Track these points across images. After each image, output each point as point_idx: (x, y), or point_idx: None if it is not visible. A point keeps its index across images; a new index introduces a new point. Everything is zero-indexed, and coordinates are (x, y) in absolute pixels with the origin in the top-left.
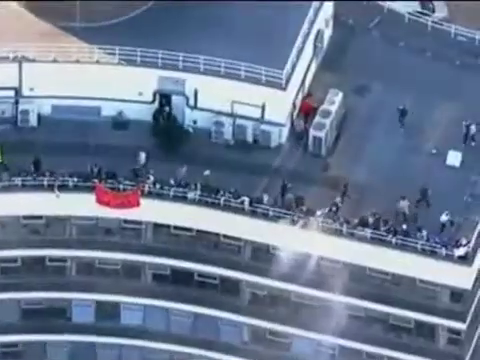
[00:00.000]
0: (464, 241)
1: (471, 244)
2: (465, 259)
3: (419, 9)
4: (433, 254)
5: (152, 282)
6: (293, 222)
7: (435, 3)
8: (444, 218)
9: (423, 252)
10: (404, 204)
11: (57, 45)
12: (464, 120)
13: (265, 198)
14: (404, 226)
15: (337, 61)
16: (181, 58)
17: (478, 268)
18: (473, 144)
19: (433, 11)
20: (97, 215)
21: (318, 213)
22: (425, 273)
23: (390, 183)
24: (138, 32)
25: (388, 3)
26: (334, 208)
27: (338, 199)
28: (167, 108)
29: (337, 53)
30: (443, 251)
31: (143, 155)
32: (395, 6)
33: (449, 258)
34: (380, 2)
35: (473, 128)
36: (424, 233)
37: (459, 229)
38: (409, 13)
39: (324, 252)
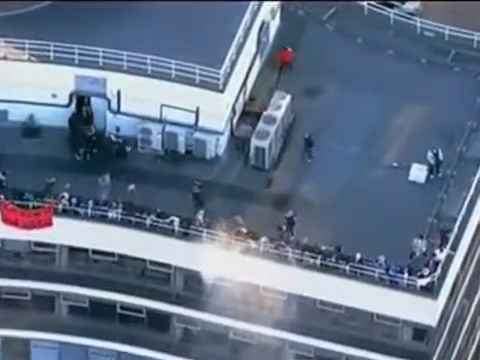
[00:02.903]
0: (426, 271)
1: (436, 274)
2: (429, 290)
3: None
4: (393, 284)
5: (68, 315)
6: (232, 247)
7: None
8: (419, 244)
9: (381, 282)
10: (421, 244)
11: None
12: (431, 148)
13: (199, 218)
14: (358, 255)
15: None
16: (101, 54)
17: (444, 302)
18: (440, 175)
19: (403, 1)
20: (2, 237)
21: (262, 239)
22: (383, 306)
23: (344, 201)
24: (51, 23)
25: None
26: (279, 231)
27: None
28: (86, 109)
29: (285, 49)
30: (404, 281)
31: (107, 177)
32: None
33: (411, 289)
34: None
35: (441, 155)
36: (382, 260)
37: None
38: (369, 4)
39: (267, 282)
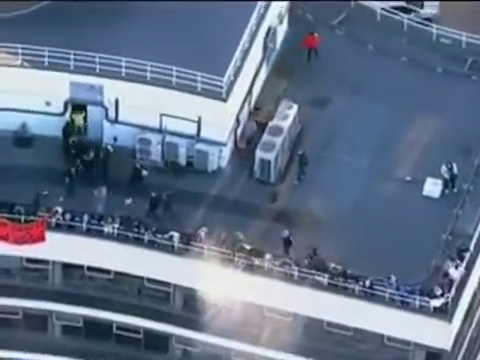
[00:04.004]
0: (438, 291)
1: (450, 294)
2: (443, 311)
3: (404, 3)
4: (404, 305)
5: (61, 335)
6: (234, 264)
7: None
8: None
9: (391, 302)
10: (454, 272)
11: None
12: (445, 162)
13: (201, 234)
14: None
15: (292, 66)
16: (98, 60)
17: (459, 324)
18: (456, 190)
19: (422, 7)
20: None
21: (267, 257)
22: (394, 328)
23: (353, 217)
24: (44, 27)
25: None
26: (284, 248)
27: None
28: (80, 118)
29: (292, 56)
30: (416, 301)
31: (104, 190)
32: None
33: (424, 310)
34: None
35: (456, 169)
36: (393, 279)
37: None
38: (382, 9)
39: (272, 301)
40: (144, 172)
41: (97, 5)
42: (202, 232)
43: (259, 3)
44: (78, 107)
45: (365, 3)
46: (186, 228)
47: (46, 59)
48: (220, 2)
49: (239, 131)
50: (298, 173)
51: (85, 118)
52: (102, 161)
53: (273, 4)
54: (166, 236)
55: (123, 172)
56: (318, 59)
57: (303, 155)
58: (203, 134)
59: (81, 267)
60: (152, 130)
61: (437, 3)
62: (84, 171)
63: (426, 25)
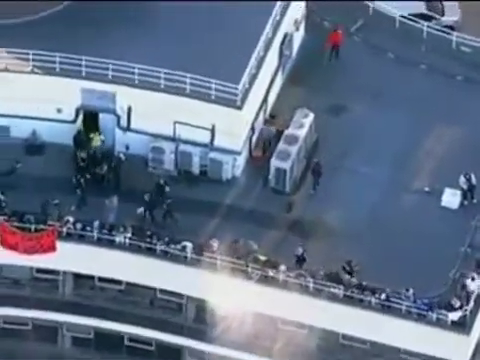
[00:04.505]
0: (457, 303)
1: (468, 307)
2: (461, 325)
3: (424, 10)
4: (421, 318)
5: (71, 347)
6: (248, 275)
7: (446, 3)
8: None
9: (408, 315)
10: (471, 284)
11: None
12: (463, 173)
13: (214, 244)
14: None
15: (309, 73)
16: (110, 66)
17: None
18: (475, 201)
19: (442, 14)
20: (1, 262)
21: (281, 268)
22: (411, 342)
23: (370, 229)
24: (56, 32)
25: (377, 2)
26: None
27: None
28: (98, 139)
29: (309, 63)
30: (434, 314)
31: (115, 199)
32: (385, 6)
33: (441, 323)
34: (366, 1)
35: (474, 179)
36: (410, 292)
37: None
38: (401, 16)
39: (286, 313)
40: (167, 188)
41: (109, 10)
42: (214, 243)
43: (275, 9)
44: (94, 125)
45: (384, 10)
46: (199, 238)
47: (57, 65)
48: (235, 7)
49: (254, 139)
50: (313, 183)
51: (103, 141)
52: (114, 170)
53: (289, 10)
54: (179, 246)
55: (135, 181)
56: (338, 60)
57: (317, 164)
58: (217, 143)
59: (92, 277)
60: (165, 138)
61: (458, 10)
62: (96, 183)
63: (446, 32)
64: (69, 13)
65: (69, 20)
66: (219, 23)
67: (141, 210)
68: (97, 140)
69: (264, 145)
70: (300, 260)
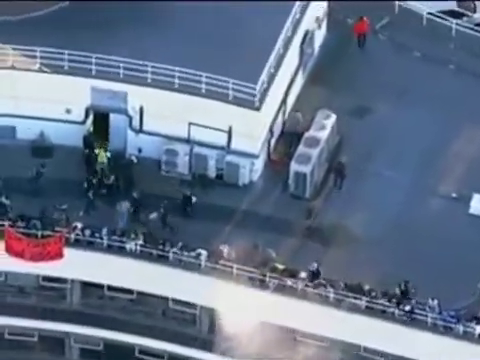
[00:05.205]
0: None
1: None
2: None
3: (456, 8)
4: (447, 331)
5: (79, 359)
6: (265, 285)
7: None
8: None
9: (434, 328)
10: None
11: None
12: None
13: (224, 250)
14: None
15: (331, 73)
16: (122, 64)
17: None
18: None
19: (474, 11)
20: (6, 269)
21: (302, 275)
22: (436, 356)
23: (394, 236)
24: (65, 29)
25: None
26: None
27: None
28: (103, 156)
29: (331, 62)
30: (460, 327)
31: (126, 204)
32: (413, 3)
33: (468, 337)
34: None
35: None
36: (435, 303)
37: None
38: (429, 13)
39: (305, 325)
40: (194, 198)
41: (121, 7)
42: (224, 249)
43: (295, 7)
44: (105, 127)
45: (410, 7)
46: (214, 246)
47: (66, 63)
48: (253, 5)
49: (273, 142)
50: (336, 183)
51: (109, 158)
52: (126, 174)
53: (311, 7)
54: (193, 254)
55: (148, 185)
56: (364, 50)
57: (340, 164)
58: (234, 145)
59: (101, 286)
60: (179, 140)
61: None
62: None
63: (476, 30)
64: (76, 10)
65: (77, 17)
66: (237, 21)
67: (154, 216)
68: (103, 156)
69: (290, 133)
70: (315, 275)
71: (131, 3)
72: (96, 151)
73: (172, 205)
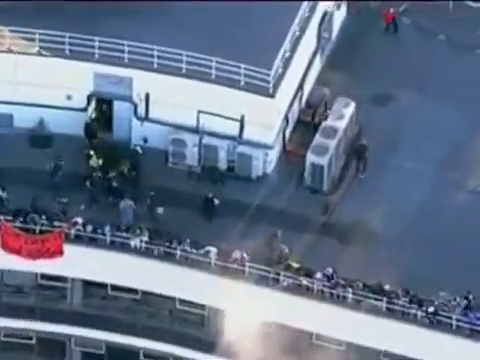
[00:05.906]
0: None
1: None
2: None
3: None
4: (473, 334)
5: None
6: (279, 285)
7: None
8: None
9: (459, 331)
10: None
11: None
12: None
13: (236, 257)
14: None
15: (350, 58)
16: (127, 48)
17: None
18: None
19: None
20: (2, 267)
21: (318, 275)
22: None
23: (416, 232)
24: (67, 10)
25: None
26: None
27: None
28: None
29: (351, 46)
30: None
31: (162, 210)
32: None
33: None
34: None
35: None
36: (461, 304)
37: None
38: None
39: (322, 328)
40: (216, 201)
41: None
42: (236, 255)
43: None
44: (108, 114)
45: None
46: (225, 242)
47: (67, 46)
48: None
49: (288, 132)
50: (358, 167)
51: (100, 165)
52: (130, 165)
53: None
54: (202, 251)
55: (153, 177)
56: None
57: (362, 146)
58: (246, 135)
59: (104, 285)
60: (188, 130)
61: None
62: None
63: None
64: None
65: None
66: (249, 2)
67: (162, 210)
68: (95, 161)
69: (314, 110)
70: (329, 280)
71: None
72: (91, 152)
73: (190, 203)
